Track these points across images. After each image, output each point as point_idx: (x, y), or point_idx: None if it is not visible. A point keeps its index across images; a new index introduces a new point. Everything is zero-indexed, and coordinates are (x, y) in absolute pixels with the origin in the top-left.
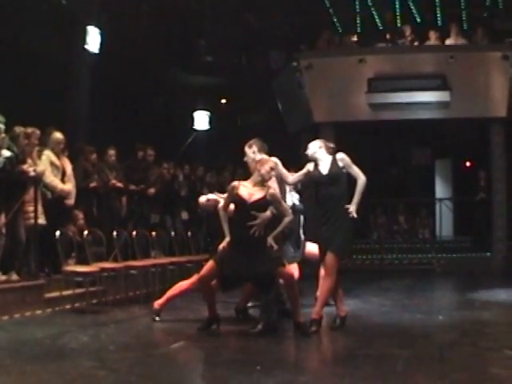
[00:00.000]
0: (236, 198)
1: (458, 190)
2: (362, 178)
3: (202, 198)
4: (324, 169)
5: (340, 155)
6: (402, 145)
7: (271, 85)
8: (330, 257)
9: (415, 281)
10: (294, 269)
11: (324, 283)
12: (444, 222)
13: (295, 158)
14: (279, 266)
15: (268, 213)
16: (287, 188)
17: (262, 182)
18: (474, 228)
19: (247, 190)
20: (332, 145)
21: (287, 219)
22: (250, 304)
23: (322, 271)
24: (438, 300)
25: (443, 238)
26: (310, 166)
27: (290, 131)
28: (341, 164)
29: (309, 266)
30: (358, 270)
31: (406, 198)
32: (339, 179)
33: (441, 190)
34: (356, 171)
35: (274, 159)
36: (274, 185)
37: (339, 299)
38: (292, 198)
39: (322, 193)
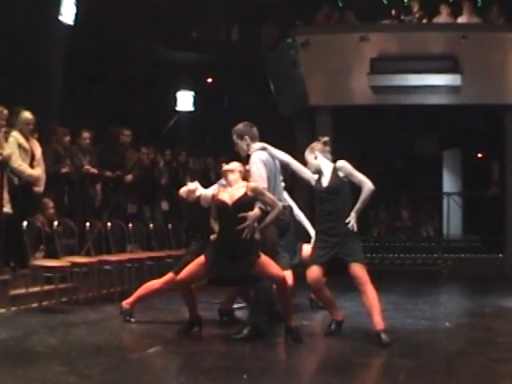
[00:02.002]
0: (218, 204)
1: (468, 183)
2: (368, 185)
3: (183, 190)
4: (324, 181)
5: (339, 164)
6: (407, 133)
7: (263, 63)
8: (357, 268)
9: (419, 283)
10: (288, 276)
11: (367, 294)
12: (452, 219)
13: (288, 145)
14: (257, 259)
15: (256, 210)
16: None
17: (240, 175)
18: (486, 226)
19: (228, 193)
20: (325, 138)
21: (276, 210)
22: (235, 305)
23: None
24: (444, 305)
25: (451, 237)
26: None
27: (283, 115)
28: (341, 174)
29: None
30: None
31: (410, 192)
32: (340, 191)
33: (449, 183)
34: (359, 178)
35: (263, 144)
36: (261, 170)
37: (330, 303)
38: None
39: (323, 207)
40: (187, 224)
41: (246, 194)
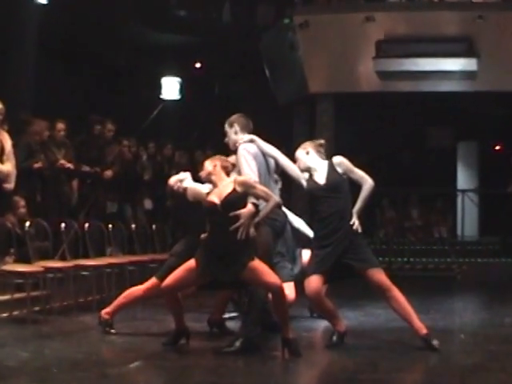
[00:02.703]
0: (206, 207)
1: (485, 179)
2: (368, 182)
3: (172, 179)
4: (320, 178)
5: (337, 159)
6: (417, 123)
7: (257, 46)
8: (377, 274)
9: (431, 290)
10: (290, 288)
11: (397, 300)
12: (467, 218)
13: (285, 136)
14: (249, 261)
15: (249, 206)
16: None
17: (221, 168)
18: (504, 227)
19: (215, 193)
20: (321, 141)
21: (271, 202)
22: (226, 315)
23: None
24: (459, 314)
25: (466, 239)
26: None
27: (280, 103)
28: (340, 170)
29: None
30: (361, 275)
31: (421, 189)
32: (340, 188)
33: (464, 179)
34: (360, 175)
35: (252, 136)
36: (250, 162)
37: (332, 315)
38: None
39: (322, 208)
40: (173, 220)
41: (234, 189)
